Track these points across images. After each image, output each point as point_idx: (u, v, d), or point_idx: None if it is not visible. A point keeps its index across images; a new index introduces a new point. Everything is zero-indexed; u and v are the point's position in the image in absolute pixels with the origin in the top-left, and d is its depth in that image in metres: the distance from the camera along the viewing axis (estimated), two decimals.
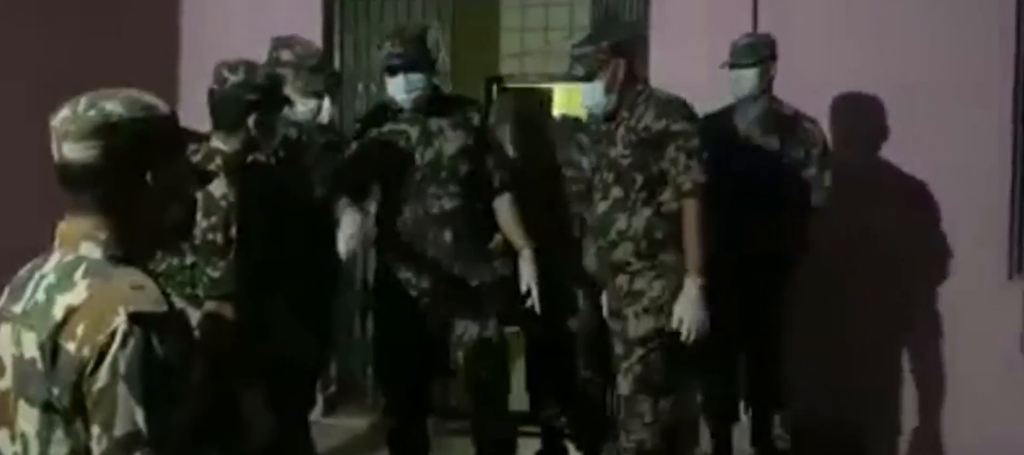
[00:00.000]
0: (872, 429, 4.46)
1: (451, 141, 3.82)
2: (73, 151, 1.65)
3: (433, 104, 3.84)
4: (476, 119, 3.89)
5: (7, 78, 5.04)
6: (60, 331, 1.58)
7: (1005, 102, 4.33)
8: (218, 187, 3.09)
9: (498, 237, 3.96)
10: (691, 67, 4.02)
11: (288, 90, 3.51)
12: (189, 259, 3.08)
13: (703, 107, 3.85)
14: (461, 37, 5.27)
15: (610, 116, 3.76)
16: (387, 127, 3.86)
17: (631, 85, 3.73)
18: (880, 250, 4.45)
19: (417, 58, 3.78)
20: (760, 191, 4.02)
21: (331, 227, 3.56)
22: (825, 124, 4.27)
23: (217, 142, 3.20)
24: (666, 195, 3.65)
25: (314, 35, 4.58)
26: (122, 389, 1.54)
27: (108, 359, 1.54)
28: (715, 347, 3.90)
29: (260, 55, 3.55)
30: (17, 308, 1.67)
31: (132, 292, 1.60)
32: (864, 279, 4.46)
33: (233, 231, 3.09)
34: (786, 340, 4.15)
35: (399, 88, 3.79)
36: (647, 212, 3.67)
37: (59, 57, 4.97)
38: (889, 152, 4.45)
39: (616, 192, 3.73)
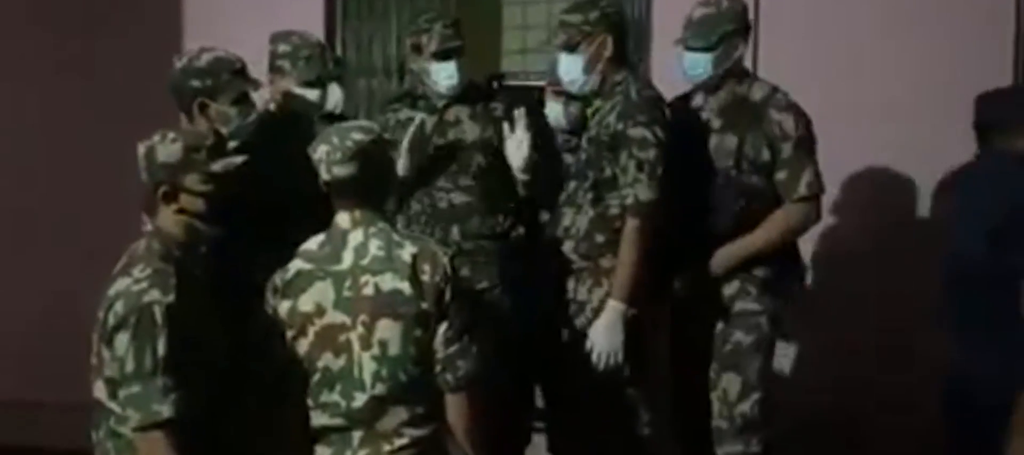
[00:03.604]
0: (867, 419, 4.44)
1: (468, 132, 3.71)
2: (342, 170, 2.60)
3: (462, 92, 3.74)
4: (500, 110, 3.75)
5: (16, 81, 5.07)
6: (415, 268, 2.62)
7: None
8: None
9: (514, 235, 3.80)
10: None
11: (287, 81, 3.45)
12: None
13: None
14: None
15: (588, 98, 3.54)
16: (403, 114, 3.75)
17: (615, 68, 3.44)
18: (871, 241, 4.44)
19: (463, 44, 3.67)
20: (709, 205, 3.43)
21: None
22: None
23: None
24: (614, 200, 3.40)
25: (316, 32, 4.55)
26: (456, 300, 2.67)
27: (451, 282, 2.67)
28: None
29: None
30: (339, 267, 2.63)
31: (436, 243, 2.91)
32: (857, 273, 4.45)
33: None
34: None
35: (449, 74, 3.65)
36: (592, 213, 3.43)
37: (65, 59, 4.99)
38: (879, 141, 4.42)
39: (570, 186, 3.53)
